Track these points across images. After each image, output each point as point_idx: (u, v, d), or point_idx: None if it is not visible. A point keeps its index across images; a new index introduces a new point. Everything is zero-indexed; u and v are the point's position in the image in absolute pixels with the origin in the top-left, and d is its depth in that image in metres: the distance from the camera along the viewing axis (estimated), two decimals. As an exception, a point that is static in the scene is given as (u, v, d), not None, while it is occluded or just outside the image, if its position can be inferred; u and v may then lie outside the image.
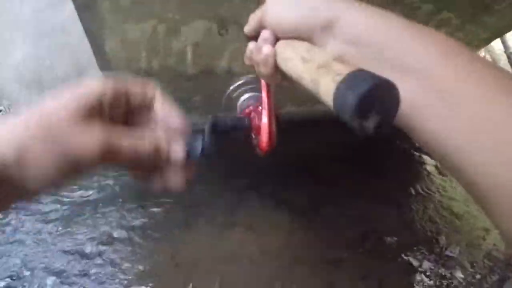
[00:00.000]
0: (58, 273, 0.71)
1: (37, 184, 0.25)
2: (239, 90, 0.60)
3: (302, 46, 0.31)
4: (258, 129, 0.45)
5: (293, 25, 0.32)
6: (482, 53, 1.19)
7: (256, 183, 0.90)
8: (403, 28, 0.26)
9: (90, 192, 0.87)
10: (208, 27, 0.67)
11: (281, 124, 0.46)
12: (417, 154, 1.03)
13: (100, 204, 0.84)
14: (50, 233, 0.78)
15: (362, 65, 0.25)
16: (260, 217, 0.83)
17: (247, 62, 0.38)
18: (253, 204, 0.86)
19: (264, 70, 0.35)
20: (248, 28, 0.38)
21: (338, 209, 0.86)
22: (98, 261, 0.73)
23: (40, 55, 0.91)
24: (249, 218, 0.82)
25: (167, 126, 0.31)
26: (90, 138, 0.25)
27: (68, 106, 0.26)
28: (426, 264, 0.77)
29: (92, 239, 0.77)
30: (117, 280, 0.70)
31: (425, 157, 1.02)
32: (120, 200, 0.85)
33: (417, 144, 1.05)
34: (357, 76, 0.21)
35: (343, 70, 0.23)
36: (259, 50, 0.34)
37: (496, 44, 1.27)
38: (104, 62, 0.69)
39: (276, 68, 0.34)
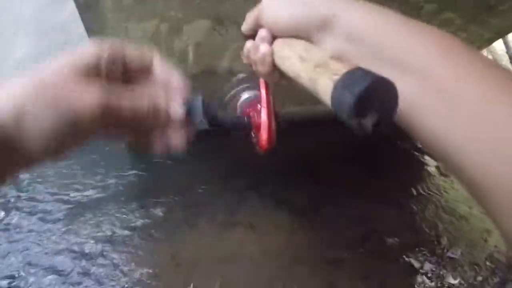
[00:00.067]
0: (59, 273, 0.71)
1: (37, 147, 0.25)
2: (238, 88, 0.60)
3: (299, 44, 0.31)
4: (258, 127, 0.45)
5: (290, 24, 0.32)
6: (484, 53, 1.19)
7: (256, 183, 0.90)
8: (402, 26, 0.26)
9: (92, 192, 0.87)
10: (210, 26, 0.67)
11: (280, 122, 0.46)
12: (418, 154, 1.02)
13: (102, 204, 0.84)
14: (51, 233, 0.78)
15: (361, 63, 0.25)
16: (260, 217, 0.83)
17: (244, 60, 0.38)
18: (253, 204, 0.85)
19: (261, 69, 0.35)
20: (245, 27, 0.38)
21: (338, 209, 0.85)
22: (99, 261, 0.73)
23: (41, 55, 0.91)
24: (250, 218, 0.82)
25: (167, 86, 0.31)
26: (89, 97, 0.25)
27: (65, 67, 0.26)
28: (428, 266, 0.77)
29: (93, 238, 0.77)
30: (117, 280, 0.70)
31: (426, 157, 1.02)
32: (121, 200, 0.85)
33: (418, 145, 1.04)
34: (355, 74, 0.21)
35: (341, 69, 0.23)
36: (257, 49, 0.34)
37: (498, 44, 1.26)
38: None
39: (274, 67, 0.34)
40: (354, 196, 0.88)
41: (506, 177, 0.21)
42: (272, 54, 0.33)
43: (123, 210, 0.83)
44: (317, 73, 0.25)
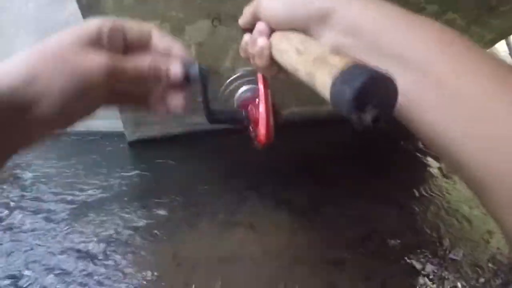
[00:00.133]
0: (60, 273, 0.71)
1: (49, 110, 0.26)
2: (236, 83, 0.60)
3: (297, 37, 0.31)
4: (256, 122, 0.45)
5: (288, 17, 0.32)
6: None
7: (256, 183, 0.90)
8: (401, 20, 0.26)
9: (95, 192, 0.87)
10: (212, 26, 0.67)
11: (278, 116, 0.46)
12: (420, 155, 1.02)
13: (105, 204, 0.85)
14: (54, 232, 0.79)
15: (359, 56, 0.25)
16: (260, 217, 0.83)
17: (242, 54, 0.38)
18: (254, 204, 0.85)
19: (259, 62, 0.35)
20: (243, 20, 0.38)
21: (338, 209, 0.85)
22: (101, 260, 0.73)
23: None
24: (250, 218, 0.82)
25: (167, 53, 0.33)
26: (95, 59, 0.28)
27: (70, 38, 0.28)
28: (429, 267, 0.77)
29: (95, 238, 0.77)
30: (119, 280, 0.70)
31: (428, 158, 1.01)
32: (124, 200, 0.86)
33: (420, 145, 1.04)
34: (354, 69, 0.21)
35: (339, 63, 0.23)
36: (254, 42, 0.34)
37: (501, 46, 1.26)
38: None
39: (272, 60, 0.34)
40: (354, 196, 0.88)
41: (506, 174, 0.21)
42: (270, 47, 0.33)
43: (126, 210, 0.83)
44: (316, 67, 0.25)
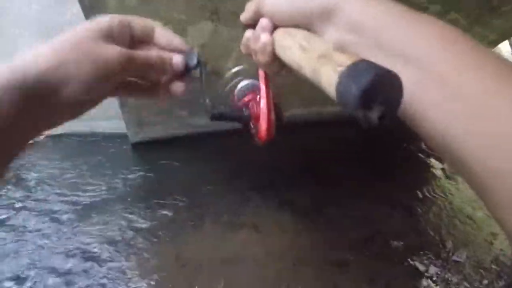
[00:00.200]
0: (63, 274, 0.72)
1: (75, 91, 0.30)
2: (236, 79, 0.60)
3: (300, 34, 0.30)
4: (257, 118, 0.45)
5: (292, 13, 0.32)
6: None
7: (259, 183, 0.90)
8: (403, 18, 0.26)
9: (99, 193, 0.87)
10: (214, 28, 0.67)
11: (279, 113, 0.46)
12: (423, 156, 1.02)
13: (109, 205, 0.85)
14: (58, 233, 0.79)
15: (362, 53, 0.25)
16: (264, 218, 0.83)
17: (243, 50, 0.38)
18: (257, 205, 0.86)
19: (262, 58, 0.35)
20: (245, 16, 0.38)
21: (341, 210, 0.85)
22: (104, 261, 0.74)
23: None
24: (253, 219, 0.82)
25: (168, 46, 0.37)
26: (113, 49, 0.32)
27: (86, 31, 0.32)
28: (433, 269, 0.76)
29: (98, 239, 0.78)
30: (121, 281, 0.71)
31: (431, 159, 1.01)
32: (128, 200, 0.86)
33: (423, 147, 1.04)
34: (359, 66, 0.21)
35: (345, 60, 0.23)
36: (257, 38, 0.34)
37: (504, 46, 1.26)
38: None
39: (274, 57, 0.34)
40: (357, 197, 0.88)
41: (507, 172, 0.21)
42: (272, 43, 0.33)
43: (129, 211, 0.83)
44: (320, 64, 0.25)
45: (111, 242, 0.77)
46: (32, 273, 0.72)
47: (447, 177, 0.96)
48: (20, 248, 0.76)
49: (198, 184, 0.90)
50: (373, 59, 0.21)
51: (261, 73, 0.43)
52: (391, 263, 0.77)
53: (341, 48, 0.26)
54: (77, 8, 0.61)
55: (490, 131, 0.21)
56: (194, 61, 0.37)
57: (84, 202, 0.85)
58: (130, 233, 0.79)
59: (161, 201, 0.85)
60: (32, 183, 0.89)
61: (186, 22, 0.65)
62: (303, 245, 0.79)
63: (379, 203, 0.87)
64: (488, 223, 0.85)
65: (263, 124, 0.44)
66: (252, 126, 0.47)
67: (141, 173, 0.93)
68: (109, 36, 0.33)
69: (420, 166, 1.01)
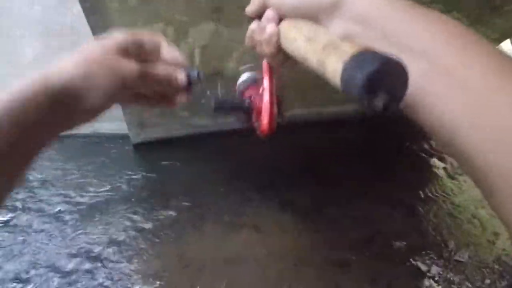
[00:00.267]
0: (65, 274, 0.72)
1: (96, 99, 0.33)
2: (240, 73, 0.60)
3: (306, 26, 0.31)
4: (259, 111, 0.45)
5: (298, 5, 0.32)
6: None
7: (260, 184, 0.90)
8: (408, 10, 0.26)
9: (102, 194, 0.88)
10: (215, 29, 0.67)
11: (281, 107, 0.46)
12: (425, 156, 1.02)
13: (111, 205, 0.85)
14: (60, 234, 0.79)
15: (368, 45, 0.25)
16: (264, 218, 0.83)
17: (248, 42, 0.39)
18: (257, 205, 0.86)
19: (267, 49, 0.35)
20: (250, 8, 0.38)
21: (342, 210, 0.85)
22: (106, 262, 0.74)
23: (49, 56, 0.92)
24: (254, 220, 0.83)
25: (173, 62, 0.40)
26: (130, 65, 0.35)
27: (105, 47, 0.35)
28: (435, 269, 0.76)
29: (100, 240, 0.78)
30: (124, 281, 0.71)
31: (433, 159, 1.01)
32: (131, 201, 0.86)
33: (425, 146, 1.04)
34: (365, 55, 0.21)
35: (350, 50, 0.23)
36: (263, 30, 0.35)
37: (506, 45, 1.25)
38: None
39: (279, 48, 0.34)
40: (358, 197, 0.88)
41: (509, 168, 0.21)
42: (278, 34, 0.33)
43: (132, 212, 0.84)
44: (326, 54, 0.25)
45: (114, 242, 0.77)
46: (35, 273, 0.72)
47: (449, 176, 0.96)
48: (24, 248, 0.76)
49: (199, 184, 0.90)
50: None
51: (265, 65, 0.43)
52: (392, 263, 0.76)
53: (347, 39, 0.26)
54: (77, 9, 0.62)
55: (493, 125, 0.21)
56: (195, 76, 0.41)
57: (87, 203, 0.86)
58: (132, 234, 0.79)
59: (163, 202, 0.86)
60: (35, 184, 0.89)
61: (188, 24, 0.65)
62: (304, 245, 0.79)
63: (380, 203, 0.87)
64: (491, 223, 0.85)
65: (265, 118, 0.44)
66: (254, 119, 0.47)
67: (143, 173, 0.93)
68: (126, 51, 0.36)
69: (421, 165, 1.00)
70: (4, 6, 0.87)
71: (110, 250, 0.76)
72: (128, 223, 0.81)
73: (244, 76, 0.54)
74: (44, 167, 0.93)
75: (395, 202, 0.88)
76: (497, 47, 0.92)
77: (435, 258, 0.78)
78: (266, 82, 0.44)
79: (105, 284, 0.71)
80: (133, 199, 0.87)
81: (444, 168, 0.98)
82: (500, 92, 0.21)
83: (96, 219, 0.82)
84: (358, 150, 1.02)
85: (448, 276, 0.76)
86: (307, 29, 0.30)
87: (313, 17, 0.30)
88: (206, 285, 0.71)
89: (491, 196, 0.23)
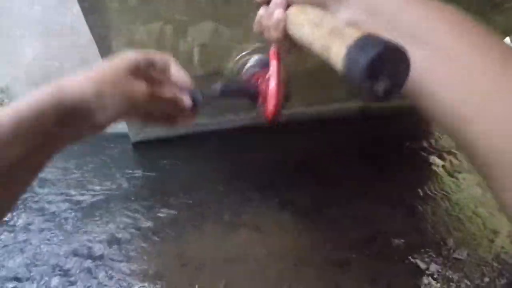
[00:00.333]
0: (65, 273, 0.72)
1: (107, 116, 0.34)
2: (246, 58, 0.60)
3: (313, 12, 0.31)
4: (265, 96, 0.45)
5: None
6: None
7: (260, 183, 0.90)
8: (413, 0, 0.27)
9: (101, 192, 0.88)
10: (215, 28, 0.67)
11: (288, 92, 0.46)
12: (425, 154, 1.02)
13: (110, 204, 0.85)
14: (59, 233, 0.79)
15: (374, 32, 0.25)
16: (264, 218, 0.83)
17: (256, 28, 0.39)
18: (257, 205, 0.86)
19: (275, 34, 0.36)
20: None
21: (342, 210, 0.85)
22: (106, 261, 0.74)
23: (49, 55, 0.92)
24: (254, 219, 0.83)
25: (179, 83, 0.43)
26: (140, 86, 0.37)
27: (117, 67, 0.36)
28: (434, 267, 0.76)
29: (100, 239, 0.78)
30: (124, 281, 0.71)
31: (432, 157, 1.01)
32: (130, 199, 0.86)
33: (424, 145, 1.04)
34: (369, 39, 0.22)
35: (354, 34, 0.23)
36: (271, 15, 0.35)
37: (506, 42, 1.25)
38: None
39: (286, 34, 0.35)
40: (358, 197, 0.88)
41: (510, 153, 0.21)
42: (286, 20, 0.34)
43: (131, 210, 0.84)
44: (331, 39, 0.26)
45: (114, 241, 0.78)
46: (35, 272, 0.72)
47: (449, 175, 0.96)
48: (24, 247, 0.77)
49: (198, 183, 0.90)
50: None
51: (272, 50, 0.44)
52: (392, 261, 0.77)
53: (353, 25, 0.27)
54: (77, 9, 0.61)
55: (496, 111, 0.22)
56: (200, 98, 0.43)
57: (86, 202, 0.86)
58: (132, 233, 0.79)
59: (163, 201, 0.86)
60: (36, 183, 0.89)
61: (187, 23, 0.65)
62: (304, 245, 0.79)
63: (380, 203, 0.87)
64: (490, 221, 0.85)
65: (271, 104, 0.44)
66: (259, 103, 0.47)
67: (143, 172, 0.93)
68: (137, 71, 0.38)
69: (421, 164, 1.00)
70: (4, 6, 0.86)
71: (110, 248, 0.76)
72: (128, 221, 0.81)
73: (252, 61, 0.54)
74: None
75: (394, 201, 0.88)
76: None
77: (434, 256, 0.79)
78: (273, 67, 0.44)
79: (105, 282, 0.71)
80: (133, 198, 0.87)
81: (443, 166, 0.99)
82: (502, 78, 0.22)
83: (96, 218, 0.82)
84: (358, 150, 1.02)
85: (447, 274, 0.76)
86: (314, 15, 0.30)
87: (320, 3, 0.31)
88: (205, 284, 0.71)
89: (492, 181, 0.23)
